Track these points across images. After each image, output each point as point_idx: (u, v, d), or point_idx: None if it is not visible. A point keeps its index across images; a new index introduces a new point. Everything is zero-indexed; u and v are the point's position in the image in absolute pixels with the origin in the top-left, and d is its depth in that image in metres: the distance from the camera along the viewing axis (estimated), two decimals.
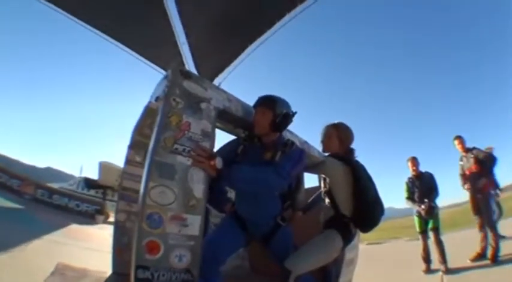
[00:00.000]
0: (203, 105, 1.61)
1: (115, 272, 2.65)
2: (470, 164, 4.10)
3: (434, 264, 4.00)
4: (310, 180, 2.98)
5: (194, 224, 1.41)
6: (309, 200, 2.44)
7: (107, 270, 2.72)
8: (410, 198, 4.24)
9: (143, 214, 1.30)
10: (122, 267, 2.63)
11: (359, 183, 1.83)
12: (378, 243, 8.24)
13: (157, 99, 1.97)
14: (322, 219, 2.06)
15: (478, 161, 4.01)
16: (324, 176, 2.05)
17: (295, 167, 1.71)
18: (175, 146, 1.43)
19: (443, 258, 3.83)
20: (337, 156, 1.96)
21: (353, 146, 2.10)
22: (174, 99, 1.51)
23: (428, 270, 3.99)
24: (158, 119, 1.48)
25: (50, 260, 2.79)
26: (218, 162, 1.53)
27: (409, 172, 4.35)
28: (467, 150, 4.23)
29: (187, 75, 1.64)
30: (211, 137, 1.60)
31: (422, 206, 3.97)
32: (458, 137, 4.37)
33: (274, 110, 1.79)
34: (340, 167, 1.88)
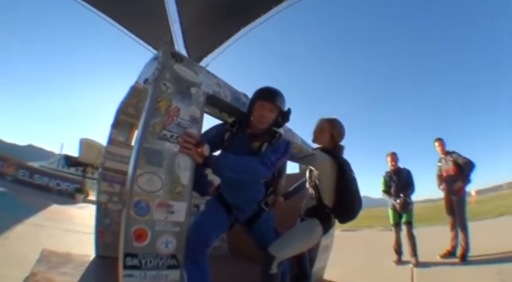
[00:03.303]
0: (193, 90, 1.59)
1: (98, 255, 2.65)
2: (448, 166, 4.22)
3: (405, 256, 4.15)
4: (292, 167, 3.09)
5: (180, 210, 1.42)
6: (291, 188, 2.52)
7: (90, 253, 2.72)
8: (386, 191, 4.36)
9: (131, 202, 1.29)
10: (104, 250, 2.64)
11: (343, 178, 1.90)
12: (352, 231, 8.49)
13: (146, 81, 1.92)
14: (304, 207, 2.13)
15: (456, 164, 4.13)
16: (311, 167, 2.09)
17: (281, 159, 1.75)
18: (164, 132, 1.41)
19: (414, 252, 3.98)
20: (325, 151, 2.00)
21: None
22: (164, 84, 1.48)
23: (399, 262, 4.13)
24: (147, 104, 1.45)
25: (35, 247, 2.77)
26: (205, 150, 1.52)
27: (388, 166, 4.45)
28: (446, 152, 4.34)
29: (179, 58, 1.60)
30: (199, 123, 1.59)
31: (398, 201, 4.09)
32: (439, 139, 4.48)
33: (281, 108, 1.81)
34: (328, 161, 1.92)
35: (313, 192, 2.04)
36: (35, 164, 14.97)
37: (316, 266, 2.70)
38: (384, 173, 4.49)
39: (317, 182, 1.99)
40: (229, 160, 1.61)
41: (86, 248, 2.85)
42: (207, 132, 1.86)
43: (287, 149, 1.80)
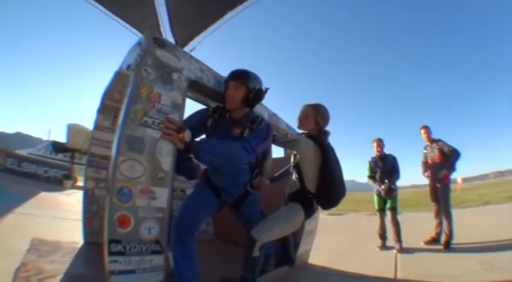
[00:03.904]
0: (175, 76, 1.58)
1: (86, 242, 2.67)
2: (434, 154, 4.24)
3: (389, 241, 4.18)
4: (278, 151, 3.07)
5: (162, 196, 1.44)
6: (278, 173, 2.52)
7: (79, 239, 2.74)
8: (371, 177, 4.39)
9: (113, 188, 1.30)
10: (92, 236, 2.65)
11: (327, 165, 1.90)
12: (338, 215, 8.52)
13: (128, 67, 1.89)
14: (288, 191, 2.15)
15: (441, 152, 4.14)
16: (295, 152, 2.10)
17: (261, 144, 1.76)
18: (145, 118, 1.41)
19: (399, 238, 4.01)
20: (310, 136, 2.00)
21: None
22: (145, 70, 1.47)
23: (384, 247, 4.13)
24: (129, 90, 1.45)
25: (24, 236, 2.79)
26: (187, 135, 1.53)
27: (374, 152, 4.45)
28: (432, 140, 4.34)
29: (161, 43, 1.59)
30: (181, 109, 1.59)
31: (382, 186, 4.11)
32: (425, 127, 4.46)
33: (248, 85, 1.79)
34: (312, 147, 1.92)
35: (297, 176, 2.05)
36: (23, 152, 14.86)
37: (301, 249, 2.77)
38: (369, 159, 4.51)
39: (300, 167, 2.00)
40: (209, 145, 1.63)
41: (74, 235, 2.87)
42: (190, 117, 1.86)
43: (268, 133, 1.81)
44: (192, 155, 1.82)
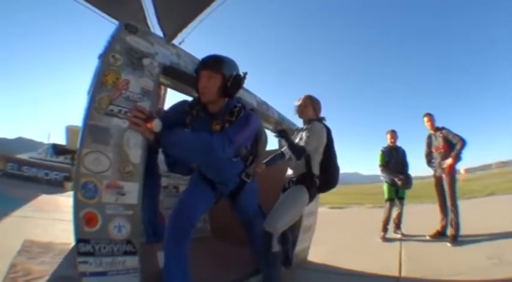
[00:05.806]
0: (146, 61, 1.47)
1: None
2: (438, 143, 4.02)
3: (390, 233, 4.14)
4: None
5: (132, 192, 1.32)
6: (269, 157, 2.43)
7: (71, 241, 2.69)
8: (385, 166, 4.26)
9: (78, 184, 1.21)
10: None
11: (332, 148, 2.08)
12: (340, 208, 8.40)
13: (100, 56, 1.79)
14: (291, 174, 2.11)
15: (446, 141, 3.92)
16: (307, 135, 2.07)
17: (241, 133, 1.55)
18: (111, 107, 1.29)
19: (399, 223, 4.11)
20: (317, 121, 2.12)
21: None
22: (112, 56, 1.36)
23: (385, 239, 4.04)
24: (92, 78, 1.33)
25: (19, 238, 2.75)
26: (155, 125, 1.35)
27: (385, 143, 4.43)
28: (436, 128, 4.10)
29: (133, 29, 1.48)
30: (152, 96, 1.47)
31: (401, 176, 4.03)
32: (428, 115, 4.21)
33: (223, 73, 1.56)
34: (324, 130, 2.04)
35: (301, 162, 2.03)
36: (24, 156, 15.06)
37: (299, 247, 2.64)
38: (381, 148, 4.42)
39: (311, 150, 2.01)
40: (178, 137, 1.43)
41: (69, 235, 2.83)
42: (167, 113, 1.74)
43: (248, 119, 1.60)
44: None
